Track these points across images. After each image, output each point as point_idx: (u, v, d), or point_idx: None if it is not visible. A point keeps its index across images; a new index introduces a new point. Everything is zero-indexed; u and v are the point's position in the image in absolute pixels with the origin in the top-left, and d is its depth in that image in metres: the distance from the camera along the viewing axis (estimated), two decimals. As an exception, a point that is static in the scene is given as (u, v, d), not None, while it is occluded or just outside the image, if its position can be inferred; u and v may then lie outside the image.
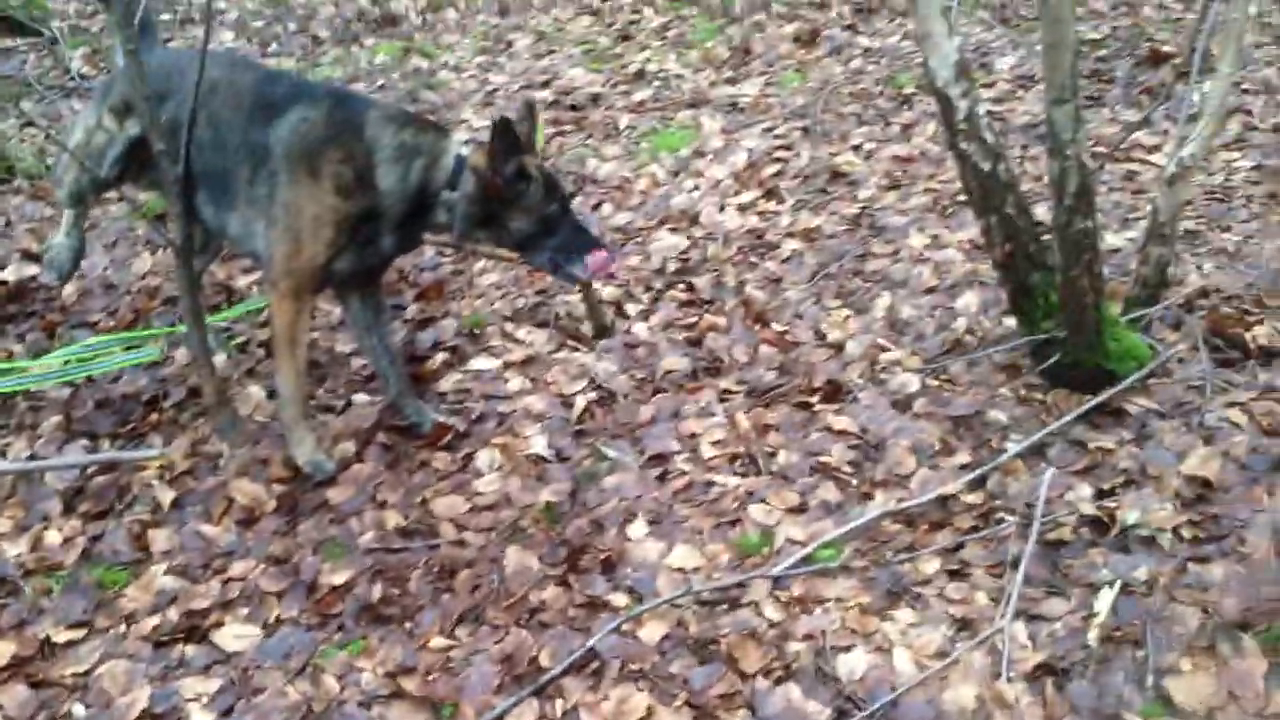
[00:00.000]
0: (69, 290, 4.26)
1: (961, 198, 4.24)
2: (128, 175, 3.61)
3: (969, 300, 3.93)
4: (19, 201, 4.86)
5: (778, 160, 5.17)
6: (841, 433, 3.40)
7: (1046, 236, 3.42)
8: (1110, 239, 4.12)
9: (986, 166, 3.38)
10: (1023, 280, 3.45)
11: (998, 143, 3.40)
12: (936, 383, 3.57)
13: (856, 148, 5.22)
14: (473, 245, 3.46)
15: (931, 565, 2.89)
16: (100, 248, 4.55)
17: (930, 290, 4.08)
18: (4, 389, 3.64)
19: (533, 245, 3.33)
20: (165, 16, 6.78)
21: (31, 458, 3.45)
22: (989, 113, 3.56)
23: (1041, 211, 3.87)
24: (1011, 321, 3.61)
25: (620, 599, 2.90)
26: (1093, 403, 3.28)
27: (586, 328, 4.06)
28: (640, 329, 4.03)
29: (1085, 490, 3.02)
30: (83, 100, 5.77)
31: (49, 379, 3.72)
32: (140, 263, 4.43)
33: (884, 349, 3.78)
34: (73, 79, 6.01)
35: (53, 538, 3.13)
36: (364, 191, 3.22)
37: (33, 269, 4.38)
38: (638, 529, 3.12)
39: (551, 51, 6.56)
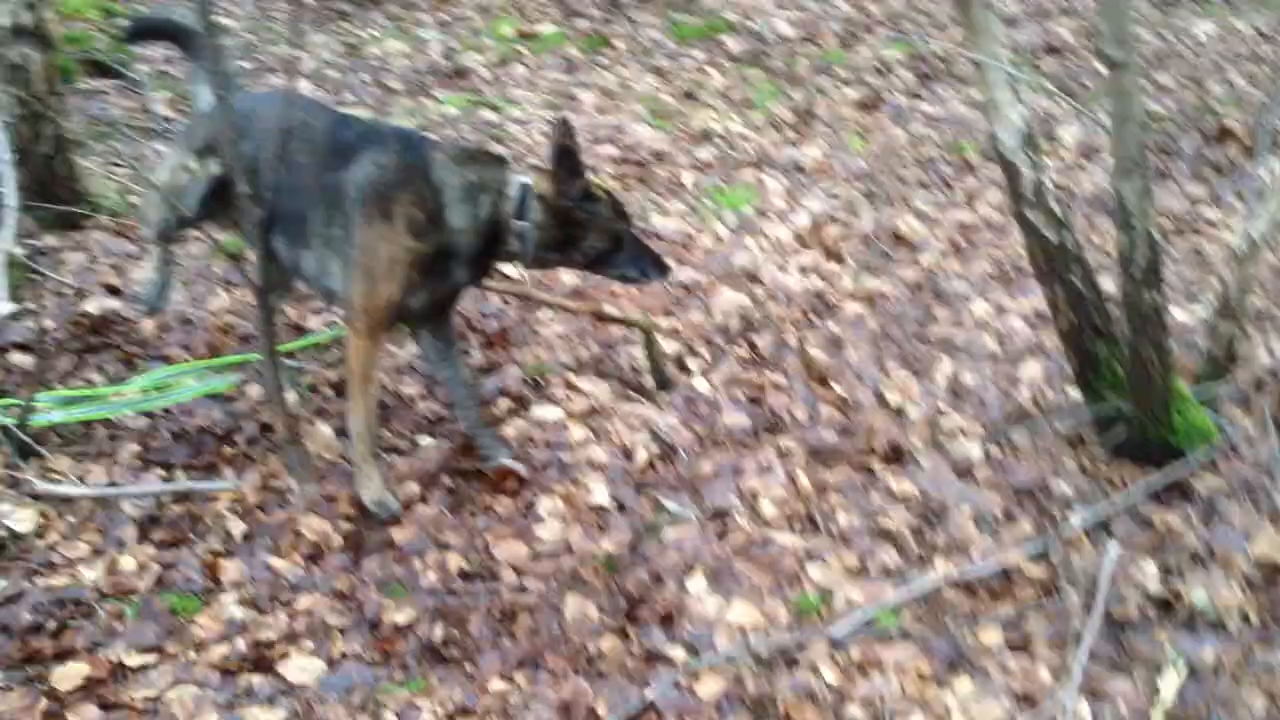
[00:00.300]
0: (148, 324, 4.37)
1: (1026, 266, 4.27)
2: (211, 214, 3.73)
3: (1033, 369, 3.95)
4: (102, 237, 4.99)
5: (840, 222, 5.23)
6: (902, 497, 3.42)
7: (1113, 308, 3.44)
8: (1177, 314, 4.13)
9: (1052, 236, 3.42)
10: (1088, 351, 3.47)
11: (1064, 213, 3.44)
12: (999, 451, 3.59)
13: (919, 213, 5.26)
14: (543, 269, 3.71)
15: (992, 636, 2.90)
16: (179, 284, 4.66)
17: (993, 358, 4.11)
18: (85, 417, 3.75)
19: (604, 261, 3.53)
20: (245, 65, 6.97)
21: (109, 484, 3.55)
22: (1055, 183, 3.60)
23: (1108, 283, 3.89)
24: (1076, 393, 3.63)
25: (678, 653, 2.93)
26: (1159, 479, 3.28)
27: (649, 380, 4.12)
28: (702, 384, 4.07)
29: (1151, 568, 3.02)
30: (164, 141, 5.94)
31: (128, 407, 3.83)
32: (217, 300, 4.54)
33: (946, 415, 3.80)
34: (154, 121, 6.18)
35: (127, 563, 3.21)
36: (436, 230, 3.35)
37: (114, 303, 4.50)
38: (697, 583, 3.15)
39: (617, 108, 6.67)
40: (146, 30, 4.37)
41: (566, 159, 3.37)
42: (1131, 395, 3.38)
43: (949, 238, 5.02)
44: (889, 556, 3.18)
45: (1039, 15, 7.79)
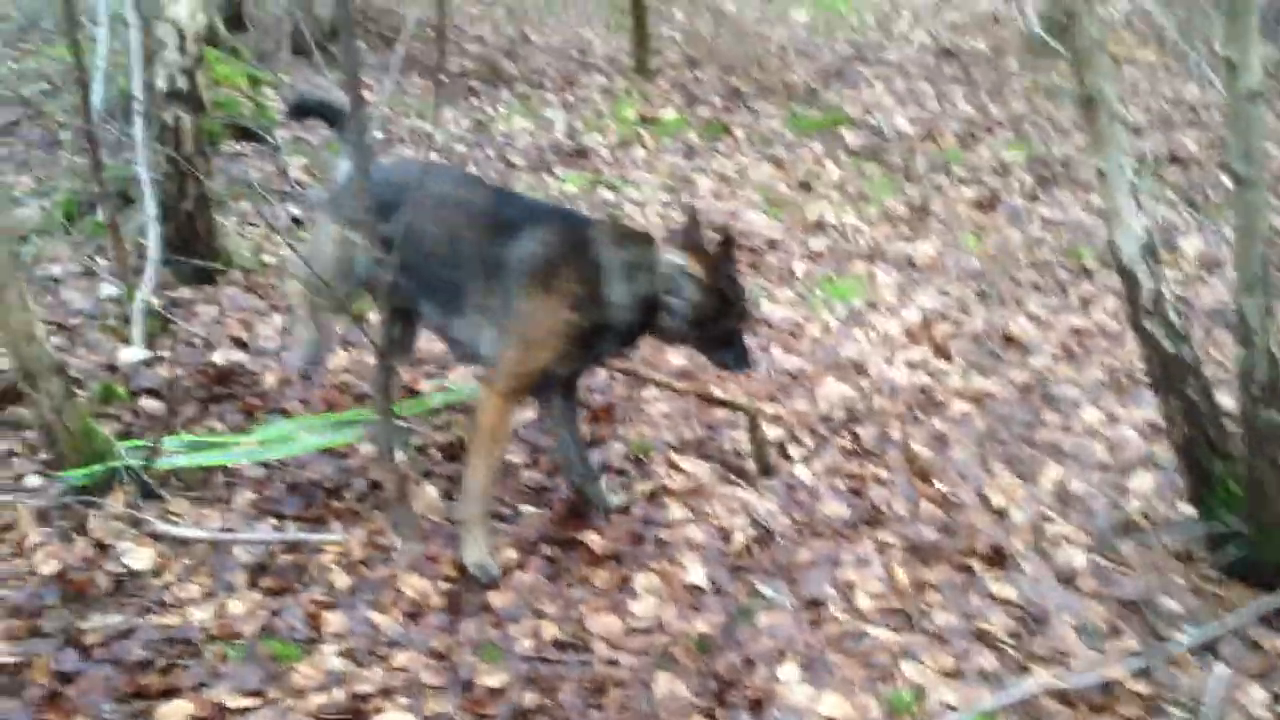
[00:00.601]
0: (270, 379, 4.54)
1: (1141, 375, 4.23)
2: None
3: (1144, 481, 3.88)
4: (233, 292, 5.22)
5: (950, 320, 5.23)
6: (1002, 600, 3.37)
7: (1230, 425, 3.38)
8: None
9: (1170, 347, 3.39)
10: (1203, 467, 3.41)
11: (1182, 325, 3.41)
12: (1105, 562, 3.52)
13: (1032, 315, 5.24)
14: (678, 344, 3.83)
15: (1090, 748, 2.83)
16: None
17: (1103, 467, 4.05)
18: (206, 462, 3.90)
19: (729, 342, 3.63)
20: (379, 135, 7.26)
21: (224, 530, 3.67)
22: (1174, 294, 3.57)
23: (1225, 398, 3.82)
24: (1188, 508, 3.55)
25: (767, 739, 2.91)
26: (1271, 602, 3.18)
27: (750, 465, 4.14)
28: (803, 472, 4.08)
29: (1259, 694, 2.93)
30: (298, 205, 6.22)
31: (247, 456, 3.97)
32: (337, 359, 4.70)
33: (1051, 520, 3.75)
34: (290, 185, 6.47)
35: (235, 608, 3.31)
36: (594, 306, 3.49)
37: (239, 355, 4.69)
38: (788, 671, 3.14)
39: (733, 195, 6.78)
40: (306, 108, 4.63)
41: (727, 245, 3.55)
42: (1247, 514, 3.30)
43: (1061, 342, 4.98)
44: (986, 660, 3.14)
45: (1164, 125, 7.75)
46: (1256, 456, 3.21)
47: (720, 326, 3.61)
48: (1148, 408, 4.14)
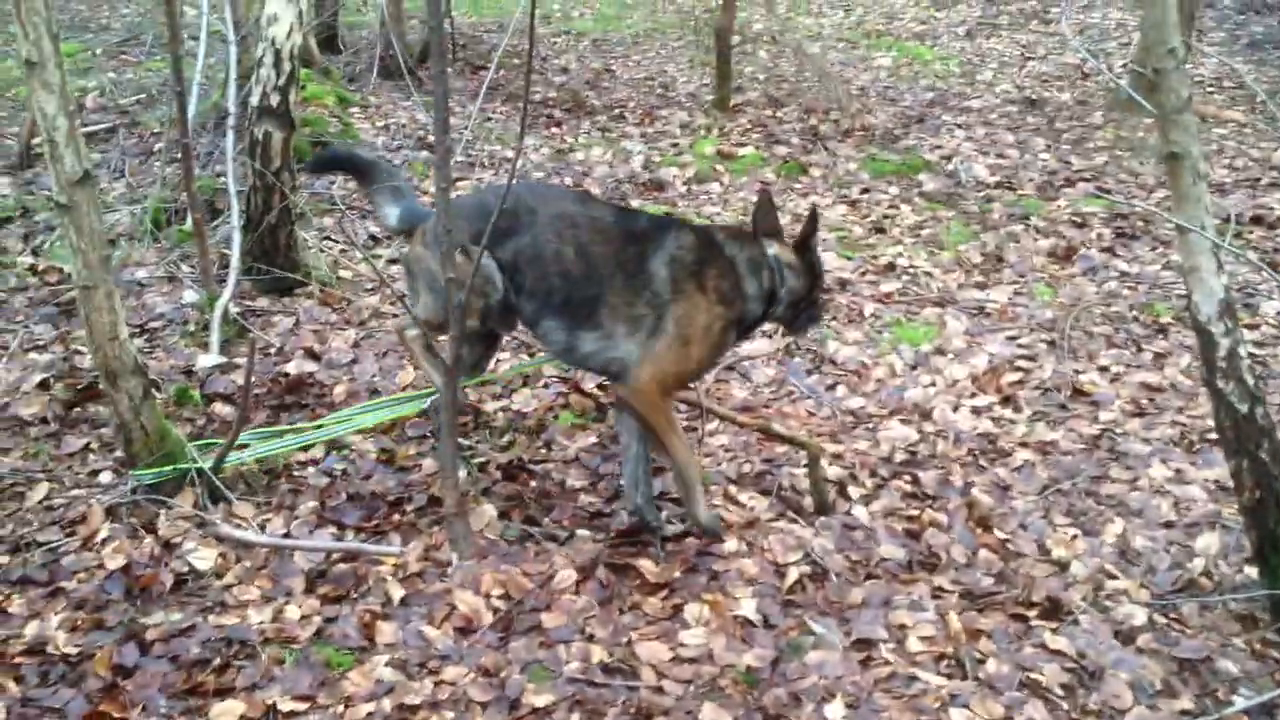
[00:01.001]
0: (339, 390, 4.63)
1: (1211, 435, 4.16)
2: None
3: (1209, 541, 3.81)
4: (310, 305, 5.35)
5: (1019, 369, 5.17)
6: (1057, 652, 3.32)
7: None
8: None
9: (1244, 408, 3.33)
10: (1271, 530, 3.34)
11: (1258, 386, 3.36)
12: (1165, 620, 3.46)
13: (1103, 369, 5.17)
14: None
15: (1140, 807, 2.78)
16: (371, 356, 4.95)
17: (1167, 524, 3.98)
18: (273, 450, 4.02)
19: (811, 313, 4.01)
20: (461, 159, 7.39)
21: (285, 535, 3.75)
22: (1251, 355, 3.51)
23: (1297, 462, 3.74)
24: (1253, 571, 3.48)
25: (809, 777, 2.89)
26: (1334, 670, 3.11)
27: (808, 502, 4.13)
28: (861, 512, 4.06)
29: (1316, 760, 2.86)
30: (375, 222, 6.34)
31: (313, 437, 4.10)
32: (405, 374, 4.78)
33: (1111, 576, 3.69)
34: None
35: (292, 613, 3.38)
36: (740, 299, 3.76)
37: (311, 365, 4.80)
38: (835, 710, 3.12)
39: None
40: (328, 164, 4.73)
41: (812, 224, 3.89)
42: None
43: (1132, 397, 4.91)
44: (1037, 711, 3.09)
45: (1249, 184, 7.62)
46: (1327, 523, 3.15)
47: (808, 300, 3.92)
48: (1217, 468, 4.06)
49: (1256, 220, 6.93)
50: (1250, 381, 3.33)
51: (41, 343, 4.93)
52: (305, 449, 4.17)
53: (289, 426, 4.26)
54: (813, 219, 3.88)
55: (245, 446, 4.03)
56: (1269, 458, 3.32)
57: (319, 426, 4.22)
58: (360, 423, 4.24)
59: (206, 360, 4.70)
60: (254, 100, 5.28)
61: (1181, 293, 3.57)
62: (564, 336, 3.78)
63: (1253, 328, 5.47)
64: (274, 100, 5.23)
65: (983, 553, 3.84)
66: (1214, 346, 3.34)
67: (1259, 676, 3.19)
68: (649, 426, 3.74)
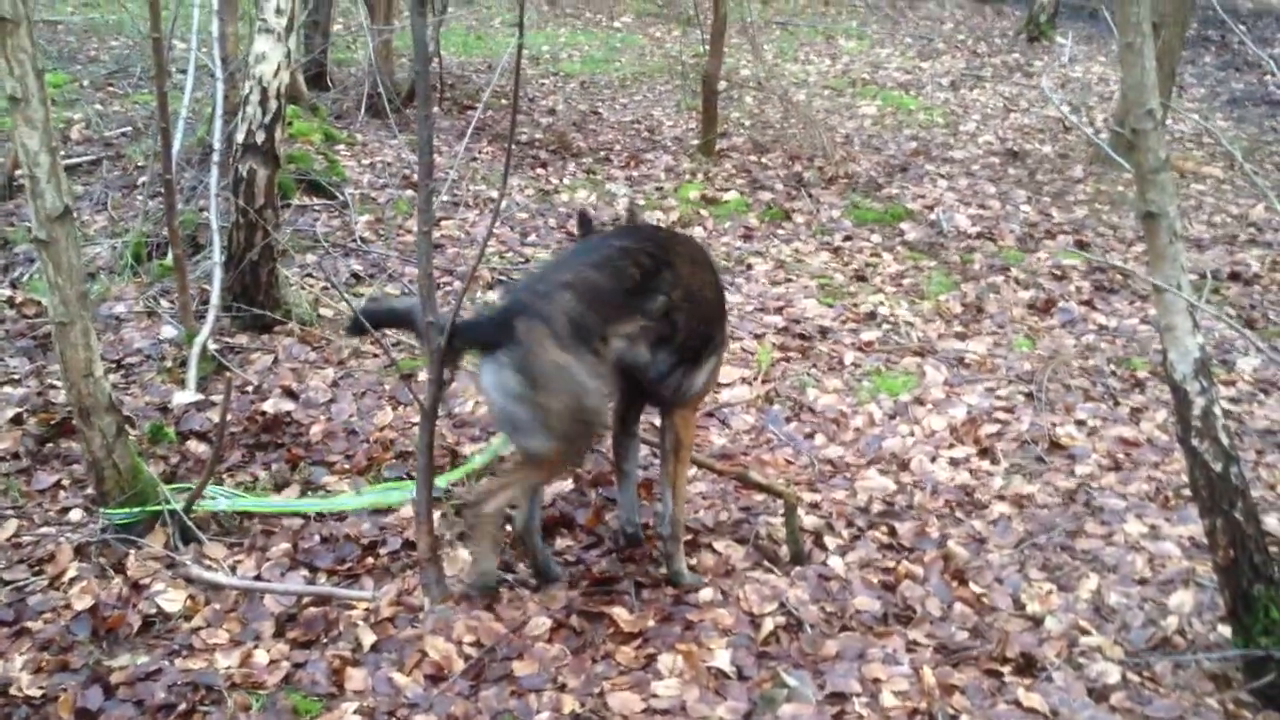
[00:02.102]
0: (316, 430, 4.61)
1: (1186, 492, 4.16)
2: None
3: (1183, 599, 3.81)
4: (289, 343, 5.33)
5: (997, 421, 5.19)
6: (1030, 710, 3.30)
7: (1276, 549, 3.32)
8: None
9: (1218, 467, 3.34)
10: (1244, 590, 3.34)
11: (1232, 444, 3.36)
12: (1138, 678, 3.45)
13: (1080, 422, 5.18)
14: None
15: None
16: (350, 395, 4.93)
17: (1142, 581, 3.98)
18: (246, 509, 3.97)
19: None
20: (446, 199, 7.40)
21: (256, 578, 3.71)
22: (1226, 412, 3.53)
23: (1272, 522, 3.76)
24: (1226, 630, 3.48)
25: (780, 834, 2.86)
26: (1307, 733, 3.10)
27: (784, 551, 4.12)
28: (837, 563, 4.05)
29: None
30: (359, 260, 6.35)
31: (285, 507, 4.04)
32: (382, 415, 4.76)
33: (1085, 632, 3.68)
34: (355, 240, 6.62)
35: (260, 657, 3.34)
36: None
37: (289, 404, 4.77)
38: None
39: (789, 281, 6.82)
40: (376, 320, 3.96)
41: None
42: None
43: (1109, 451, 4.92)
44: (1009, 770, 3.08)
45: (1227, 241, 7.69)
46: (1300, 584, 3.16)
47: None
48: (1193, 524, 4.07)
49: (1234, 276, 6.99)
50: (1225, 440, 3.34)
51: (16, 376, 4.90)
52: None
53: (261, 500, 4.17)
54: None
55: (213, 498, 3.98)
56: (1243, 517, 3.33)
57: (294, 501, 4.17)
58: (341, 506, 4.16)
59: (183, 397, 4.68)
60: (239, 137, 5.29)
61: (1159, 347, 3.57)
62: (666, 375, 3.69)
63: (1229, 384, 5.51)
64: (259, 138, 5.24)
65: (958, 606, 3.83)
66: (1189, 405, 3.35)
67: (1231, 738, 3.18)
68: (683, 445, 3.80)
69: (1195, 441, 3.36)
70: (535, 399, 3.29)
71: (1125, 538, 4.25)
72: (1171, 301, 3.35)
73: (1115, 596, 3.88)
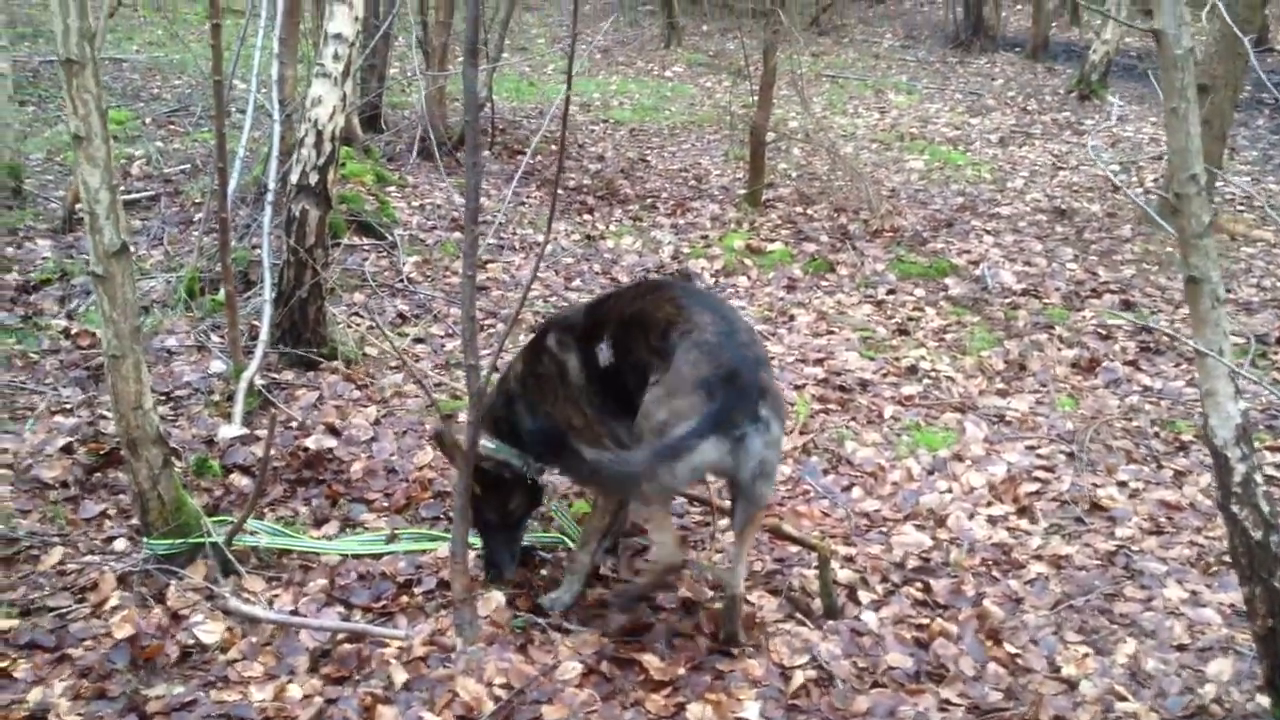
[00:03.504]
0: (356, 467, 4.67)
1: (1228, 559, 4.11)
2: None
3: (1221, 667, 3.75)
4: (334, 380, 5.41)
5: (1037, 480, 5.15)
6: (1062, 775, 3.27)
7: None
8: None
9: (1258, 535, 3.30)
10: (1282, 659, 3.29)
11: (1273, 512, 3.33)
12: (1173, 746, 3.41)
13: (1122, 484, 5.14)
14: None
15: None
16: (391, 434, 4.99)
17: (1180, 647, 3.92)
18: (286, 546, 4.02)
19: None
20: (493, 241, 7.51)
21: (293, 613, 3.76)
22: (1268, 479, 3.49)
23: (1313, 591, 3.69)
24: (1265, 700, 3.42)
25: None
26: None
27: (817, 605, 4.11)
28: (870, 618, 4.03)
29: None
30: (405, 300, 6.44)
31: (324, 548, 4.10)
32: (422, 455, 4.82)
33: (1121, 698, 3.63)
34: (402, 281, 6.72)
35: (294, 692, 3.37)
36: None
37: (331, 441, 4.84)
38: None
39: (830, 333, 6.83)
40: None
41: None
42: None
43: (1150, 514, 4.87)
44: (1039, 837, 3.04)
45: (1277, 305, 7.62)
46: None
47: None
48: (1233, 591, 4.01)
49: (1283, 340, 6.92)
50: (1265, 508, 3.30)
51: (69, 406, 5.01)
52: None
53: (296, 534, 4.24)
54: None
55: (254, 533, 4.05)
56: (1283, 586, 3.29)
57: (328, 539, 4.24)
58: (379, 545, 4.22)
59: (228, 431, 4.76)
60: (293, 178, 5.40)
61: (1203, 411, 3.54)
62: None
63: (1275, 450, 5.43)
64: (313, 179, 5.35)
65: (992, 666, 3.80)
66: (1230, 471, 3.33)
67: (1268, 811, 3.12)
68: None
69: (1235, 508, 3.32)
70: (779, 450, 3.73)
71: (1164, 603, 4.20)
72: (1213, 366, 3.33)
73: (1153, 662, 3.83)
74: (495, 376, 4.00)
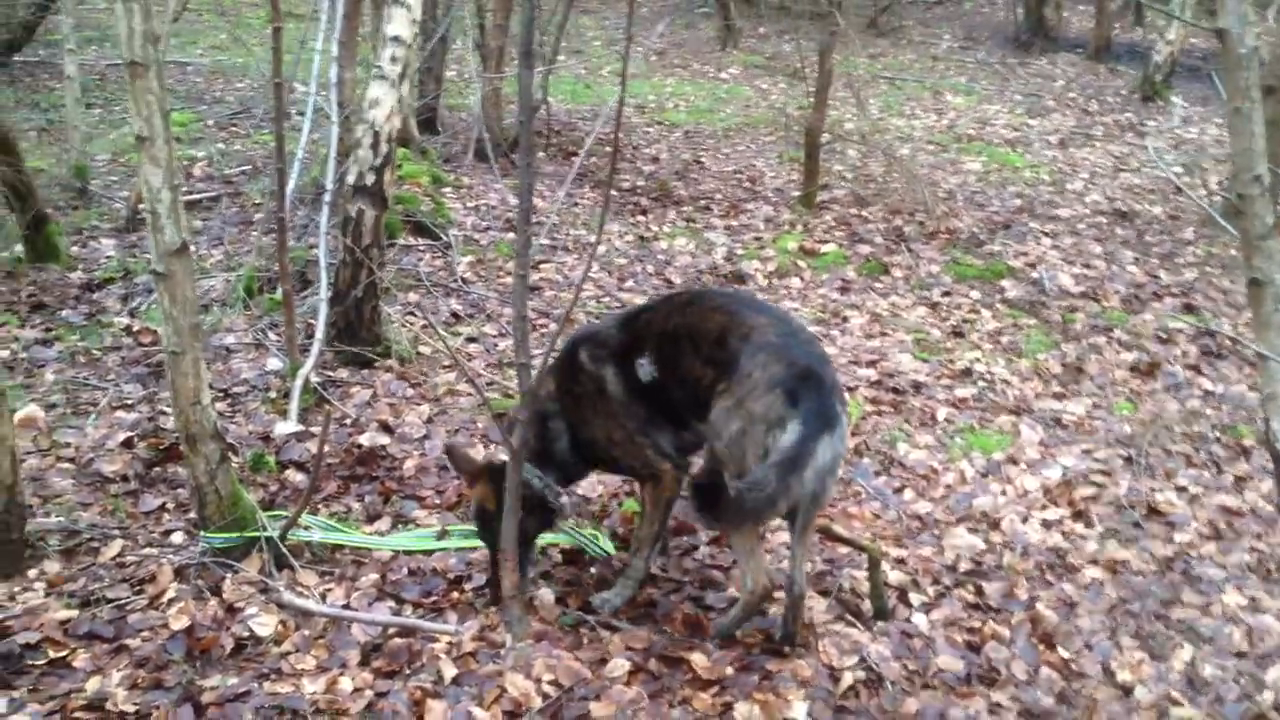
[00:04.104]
0: (409, 464, 4.72)
1: (1288, 565, 4.05)
2: None
3: (1280, 674, 3.69)
4: (388, 378, 5.47)
5: (1093, 484, 5.09)
6: (1115, 781, 3.23)
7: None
8: None
9: (1320, 540, 3.24)
10: (1344, 668, 3.23)
11: (1336, 518, 3.27)
12: (1230, 753, 3.35)
13: (1181, 489, 5.06)
14: None
15: None
16: (443, 432, 5.03)
17: (1239, 654, 3.86)
18: (339, 541, 4.08)
19: None
20: (545, 242, 7.54)
21: (345, 607, 3.81)
22: (1331, 485, 3.43)
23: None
24: (1325, 708, 3.37)
25: None
26: None
27: (867, 606, 4.08)
28: (920, 620, 4.01)
29: None
30: (459, 300, 6.50)
31: (375, 544, 4.15)
32: (475, 452, 4.85)
33: (1177, 703, 3.59)
34: (456, 281, 6.77)
35: (345, 684, 3.41)
36: None
37: (384, 438, 4.90)
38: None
39: (884, 334, 6.78)
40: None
41: None
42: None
43: (1209, 519, 4.79)
44: (1090, 843, 3.00)
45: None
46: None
47: None
48: (1295, 599, 3.96)
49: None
50: (1328, 513, 3.25)
51: (130, 401, 5.11)
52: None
53: (349, 529, 4.29)
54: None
55: (308, 528, 4.10)
56: (1345, 593, 3.22)
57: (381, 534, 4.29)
58: (424, 545, 4.26)
59: (284, 427, 4.83)
60: (350, 179, 5.46)
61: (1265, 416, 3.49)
62: None
63: (1340, 455, 5.31)
64: (369, 180, 5.41)
65: (1044, 670, 3.76)
66: (1290, 475, 3.27)
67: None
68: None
69: (1296, 512, 3.27)
70: None
71: (1223, 609, 4.14)
72: (1276, 370, 3.28)
73: (1210, 669, 3.77)
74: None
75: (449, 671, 3.52)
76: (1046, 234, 8.88)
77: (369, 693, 3.42)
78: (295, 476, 4.58)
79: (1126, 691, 3.66)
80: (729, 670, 3.62)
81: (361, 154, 5.44)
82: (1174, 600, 4.21)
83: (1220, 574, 4.37)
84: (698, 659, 3.67)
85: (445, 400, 5.39)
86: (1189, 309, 7.32)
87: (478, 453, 4.38)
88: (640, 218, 8.74)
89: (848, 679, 3.64)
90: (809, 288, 7.55)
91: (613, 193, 8.39)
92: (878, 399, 5.85)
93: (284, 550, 3.93)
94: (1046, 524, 4.74)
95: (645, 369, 3.80)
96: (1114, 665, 3.80)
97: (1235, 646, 3.90)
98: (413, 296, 6.45)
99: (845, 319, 7.03)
